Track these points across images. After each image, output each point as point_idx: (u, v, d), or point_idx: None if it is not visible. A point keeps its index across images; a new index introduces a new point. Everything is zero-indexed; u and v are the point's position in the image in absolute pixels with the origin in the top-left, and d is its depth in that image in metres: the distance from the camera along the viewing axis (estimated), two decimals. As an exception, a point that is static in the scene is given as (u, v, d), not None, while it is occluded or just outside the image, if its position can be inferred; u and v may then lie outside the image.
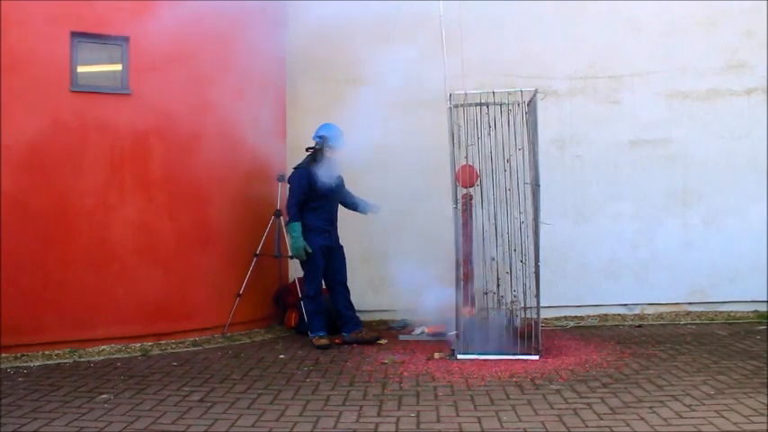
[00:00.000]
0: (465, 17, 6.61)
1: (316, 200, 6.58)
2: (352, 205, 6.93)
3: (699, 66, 7.67)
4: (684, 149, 7.67)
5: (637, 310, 7.69)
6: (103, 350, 6.29)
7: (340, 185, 6.82)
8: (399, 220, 7.11)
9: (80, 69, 6.39)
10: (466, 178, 6.10)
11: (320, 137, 6.59)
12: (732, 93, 7.65)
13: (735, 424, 4.17)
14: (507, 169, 5.93)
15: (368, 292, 7.24)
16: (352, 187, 6.94)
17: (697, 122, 7.66)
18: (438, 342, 6.30)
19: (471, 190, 6.19)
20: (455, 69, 6.34)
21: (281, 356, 6.18)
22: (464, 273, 5.98)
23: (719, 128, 7.63)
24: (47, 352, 6.14)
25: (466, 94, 5.99)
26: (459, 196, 6.03)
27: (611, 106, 7.76)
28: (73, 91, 6.32)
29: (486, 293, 5.99)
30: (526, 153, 5.94)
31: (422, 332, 6.71)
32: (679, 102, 7.70)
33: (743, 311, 7.53)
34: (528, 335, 5.84)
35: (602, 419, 4.31)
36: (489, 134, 5.97)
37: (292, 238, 6.56)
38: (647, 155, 7.69)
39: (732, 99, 7.65)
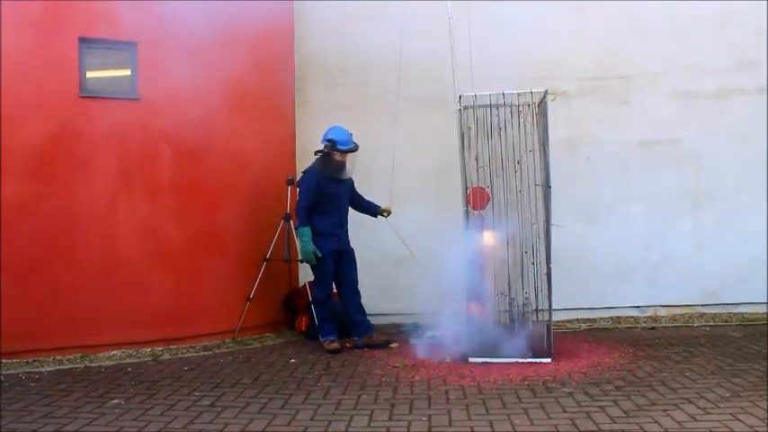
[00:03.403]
0: (474, 18, 6.60)
1: (325, 203, 6.56)
2: (362, 208, 6.90)
3: (709, 65, 7.60)
4: (695, 149, 7.61)
5: (650, 312, 7.63)
6: (114, 355, 6.30)
7: (349, 188, 6.80)
8: (410, 223, 7.07)
9: (89, 75, 6.40)
10: (477, 201, 6.04)
11: (329, 140, 6.56)
12: (743, 92, 7.57)
13: (750, 427, 4.13)
14: (518, 171, 5.90)
15: (378, 296, 7.21)
16: (362, 189, 6.92)
17: (708, 122, 7.59)
18: (449, 345, 6.25)
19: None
20: (464, 71, 6.31)
21: (292, 361, 6.16)
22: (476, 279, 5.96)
23: (730, 127, 7.55)
24: (58, 357, 6.15)
25: (475, 96, 5.96)
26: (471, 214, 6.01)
27: (621, 107, 7.70)
28: (81, 96, 6.32)
29: (498, 296, 5.95)
30: (536, 154, 5.91)
31: (433, 335, 6.66)
32: (689, 101, 7.64)
33: (757, 313, 7.44)
34: (540, 337, 5.80)
35: (615, 423, 4.27)
36: (499, 136, 5.94)
37: (302, 242, 6.54)
38: (658, 155, 7.63)
39: (743, 98, 7.57)
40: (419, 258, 6.68)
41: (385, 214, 6.86)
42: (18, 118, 6.08)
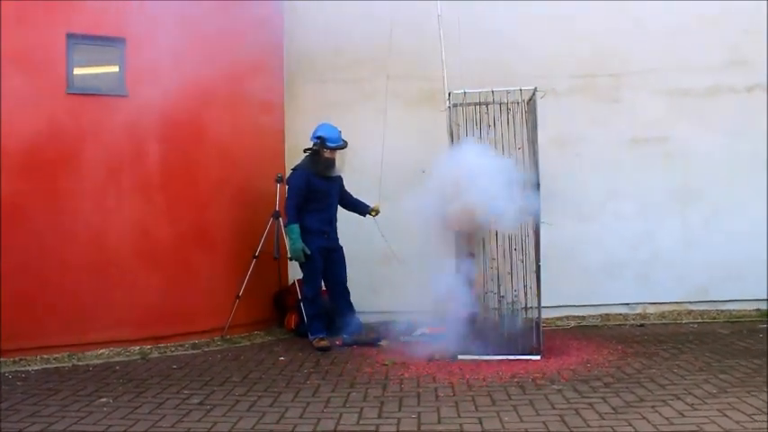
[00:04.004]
0: (463, 16, 6.59)
1: (315, 201, 6.55)
2: (352, 207, 6.90)
3: (699, 63, 7.61)
4: (685, 147, 7.62)
5: (638, 310, 7.65)
6: (102, 354, 6.26)
7: (338, 186, 6.78)
8: (399, 221, 7.06)
9: (76, 71, 6.35)
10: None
11: (318, 137, 6.55)
12: (733, 90, 7.60)
13: (737, 423, 4.15)
14: (507, 169, 5.89)
15: (368, 293, 7.20)
16: (351, 187, 6.91)
17: (698, 120, 7.61)
18: (439, 343, 6.24)
19: None
20: (454, 68, 6.30)
21: (281, 359, 6.15)
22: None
23: (720, 125, 7.58)
24: (45, 356, 6.11)
25: (465, 94, 5.96)
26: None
27: (612, 104, 7.71)
28: (69, 93, 6.28)
29: (487, 293, 5.95)
30: (526, 152, 5.91)
31: (422, 333, 6.66)
32: (679, 99, 7.65)
33: (745, 310, 7.47)
34: (529, 335, 5.80)
35: (604, 419, 4.28)
36: (489, 133, 5.94)
37: (291, 240, 6.52)
38: (648, 153, 7.64)
39: (733, 96, 7.59)
40: (408, 255, 6.68)
41: (373, 213, 6.85)
42: (4, 115, 6.03)
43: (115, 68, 6.51)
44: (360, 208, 6.88)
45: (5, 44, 6.03)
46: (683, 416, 4.30)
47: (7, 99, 6.04)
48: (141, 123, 6.49)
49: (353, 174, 6.90)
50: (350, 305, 6.74)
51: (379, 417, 4.46)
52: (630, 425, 4.17)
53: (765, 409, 4.35)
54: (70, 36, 6.28)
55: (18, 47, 6.07)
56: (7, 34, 6.03)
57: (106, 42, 6.45)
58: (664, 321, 7.40)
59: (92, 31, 6.37)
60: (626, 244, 7.66)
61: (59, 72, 6.24)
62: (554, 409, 4.51)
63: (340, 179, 6.79)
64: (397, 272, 6.75)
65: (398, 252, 6.77)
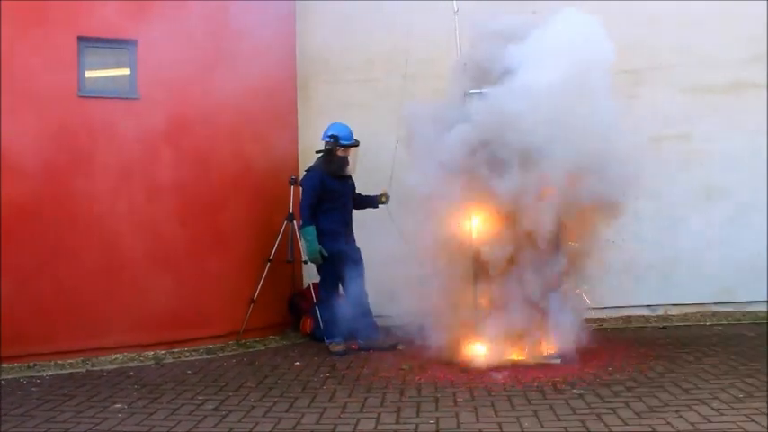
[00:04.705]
0: (478, 14, 6.50)
1: (329, 201, 6.50)
2: (363, 204, 6.81)
3: (720, 58, 7.48)
4: (707, 145, 7.49)
5: (660, 311, 7.52)
6: (116, 359, 6.26)
7: (351, 186, 6.72)
8: (414, 222, 6.98)
9: (87, 74, 6.36)
10: None
11: (330, 136, 6.50)
12: (755, 85, 7.45)
13: (765, 428, 4.04)
14: (525, 168, 5.79)
15: (385, 297, 7.11)
16: (365, 187, 6.84)
17: (719, 116, 7.48)
18: (456, 347, 6.15)
19: None
20: (469, 67, 6.20)
21: (297, 363, 6.10)
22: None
23: (743, 121, 7.44)
24: (59, 361, 6.11)
25: (481, 92, 5.87)
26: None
27: (631, 101, 7.56)
28: (80, 96, 6.28)
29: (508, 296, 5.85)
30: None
31: (441, 337, 6.55)
32: (701, 95, 7.51)
33: (772, 311, 7.34)
34: (549, 338, 5.70)
35: (626, 424, 4.19)
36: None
37: (307, 242, 6.46)
38: (669, 151, 7.50)
39: (755, 92, 7.44)
40: (423, 258, 6.59)
41: (383, 199, 6.76)
42: (17, 118, 6.02)
43: (127, 71, 6.51)
44: (370, 202, 6.79)
45: (17, 47, 6.02)
46: (709, 421, 4.19)
47: (19, 102, 6.03)
48: (153, 126, 6.47)
49: (367, 173, 6.82)
50: (367, 309, 6.66)
51: (397, 422, 4.39)
52: (654, 430, 4.08)
53: (795, 414, 4.24)
54: (82, 39, 6.27)
55: (30, 50, 6.06)
56: (19, 37, 6.03)
57: (118, 45, 6.46)
58: (687, 323, 7.27)
59: (103, 34, 6.38)
60: (648, 244, 7.52)
61: (71, 75, 6.23)
62: (575, 414, 4.42)
63: (352, 181, 6.73)
64: (414, 275, 6.66)
65: (416, 253, 6.67)
